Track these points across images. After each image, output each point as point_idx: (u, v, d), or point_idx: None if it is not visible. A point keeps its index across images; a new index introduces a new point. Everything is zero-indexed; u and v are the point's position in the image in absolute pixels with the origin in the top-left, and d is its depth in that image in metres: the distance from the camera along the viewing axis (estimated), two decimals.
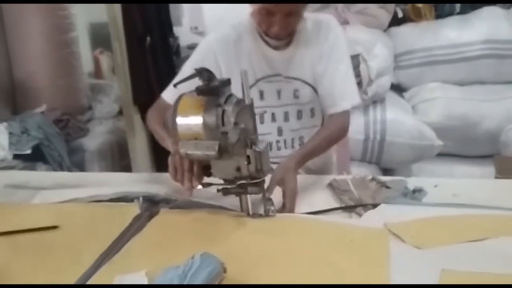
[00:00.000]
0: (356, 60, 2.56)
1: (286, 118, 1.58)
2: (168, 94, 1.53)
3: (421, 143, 2.57)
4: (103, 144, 3.13)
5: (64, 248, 1.15)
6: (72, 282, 0.99)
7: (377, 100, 2.66)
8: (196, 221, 1.22)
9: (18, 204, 1.43)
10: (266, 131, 1.56)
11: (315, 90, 1.54)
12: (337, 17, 2.65)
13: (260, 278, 0.96)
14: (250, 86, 1.28)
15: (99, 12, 3.22)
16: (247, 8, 1.45)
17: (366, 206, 1.24)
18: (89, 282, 0.99)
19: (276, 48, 1.50)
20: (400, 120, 2.59)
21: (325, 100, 1.52)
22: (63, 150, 2.81)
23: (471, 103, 2.64)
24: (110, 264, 1.05)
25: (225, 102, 1.13)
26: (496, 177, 2.15)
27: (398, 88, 2.87)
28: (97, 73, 3.97)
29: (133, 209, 1.28)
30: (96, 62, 3.96)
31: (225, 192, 1.19)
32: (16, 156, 2.57)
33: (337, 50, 1.50)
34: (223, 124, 1.12)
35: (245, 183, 1.16)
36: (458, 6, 2.80)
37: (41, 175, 2.06)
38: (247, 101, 1.15)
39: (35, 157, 2.63)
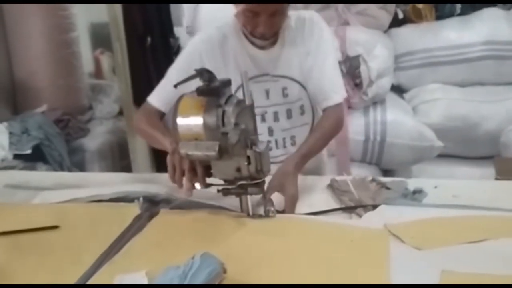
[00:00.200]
0: (356, 61, 2.56)
1: (276, 118, 1.57)
2: (155, 99, 1.53)
3: (421, 144, 2.56)
4: (103, 144, 3.13)
5: (65, 248, 1.15)
6: (72, 282, 1.00)
7: (377, 101, 2.66)
8: (196, 222, 1.22)
9: (18, 204, 1.43)
10: None
11: (303, 86, 1.54)
12: (337, 18, 2.68)
13: (260, 279, 0.96)
14: (238, 87, 1.27)
15: (99, 12, 3.22)
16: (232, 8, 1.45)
17: (366, 207, 1.24)
18: (89, 282, 0.99)
19: (262, 47, 1.50)
20: (401, 121, 2.59)
21: (316, 95, 1.53)
22: (63, 150, 2.81)
23: (472, 104, 2.64)
24: (110, 264, 1.05)
25: (226, 102, 1.13)
26: (496, 179, 2.15)
27: (398, 89, 2.87)
28: (98, 73, 3.97)
29: (134, 209, 1.28)
30: (97, 62, 3.97)
31: (225, 192, 1.19)
32: (16, 156, 2.57)
33: (323, 45, 1.51)
34: (223, 124, 1.12)
35: (245, 184, 1.16)
36: (458, 7, 2.79)
37: (41, 175, 2.06)
38: (247, 102, 1.15)
39: (36, 157, 2.63)
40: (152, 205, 1.32)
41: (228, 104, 1.13)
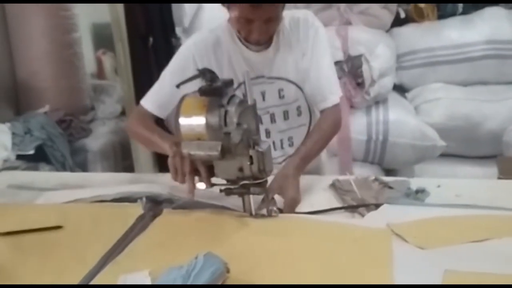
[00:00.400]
0: (358, 60, 2.56)
1: (272, 119, 1.56)
2: (148, 102, 1.51)
3: (423, 143, 2.56)
4: (105, 145, 3.13)
5: (68, 248, 1.15)
6: (75, 282, 1.00)
7: (379, 101, 2.66)
8: (199, 221, 1.22)
9: (21, 204, 1.43)
10: None
11: (299, 88, 1.53)
12: (339, 18, 2.68)
13: (263, 278, 0.96)
14: (234, 89, 1.26)
15: (102, 13, 3.22)
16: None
17: (369, 207, 1.24)
18: (92, 282, 1.00)
19: (256, 50, 1.48)
20: (403, 121, 2.59)
21: (314, 96, 1.52)
22: (66, 151, 2.81)
23: (474, 103, 2.64)
24: (113, 264, 1.05)
25: (228, 102, 1.13)
26: (499, 178, 2.15)
27: (400, 89, 2.86)
28: (100, 73, 3.97)
29: (137, 209, 1.29)
30: (99, 62, 3.97)
31: (228, 192, 1.19)
32: (19, 157, 2.58)
33: (318, 45, 1.50)
34: (225, 124, 1.12)
35: (248, 184, 1.16)
36: (460, 6, 2.79)
37: (44, 176, 2.07)
38: (249, 102, 1.15)
39: (38, 158, 2.64)
40: (155, 205, 1.32)
41: (231, 104, 1.13)
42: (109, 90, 3.48)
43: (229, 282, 0.94)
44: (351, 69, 2.57)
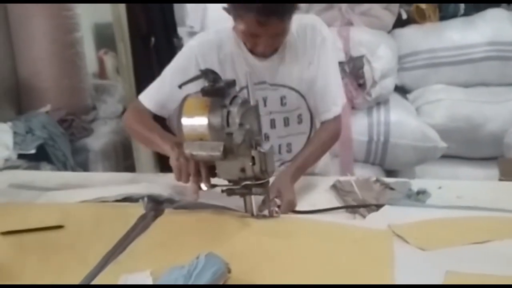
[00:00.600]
0: (360, 61, 2.56)
1: (272, 125, 1.54)
2: (146, 98, 1.50)
3: (424, 145, 2.56)
4: (107, 144, 3.13)
5: (69, 248, 1.15)
6: (77, 281, 1.00)
7: (380, 102, 2.66)
8: (201, 222, 1.22)
9: (23, 203, 1.43)
10: None
11: (302, 96, 1.51)
12: (341, 18, 2.68)
13: (265, 278, 0.97)
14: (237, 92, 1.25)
15: (103, 13, 3.23)
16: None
17: (370, 208, 1.24)
18: (94, 282, 1.00)
19: (261, 59, 1.45)
20: (404, 122, 2.59)
21: (317, 107, 1.51)
22: (67, 150, 2.81)
23: (475, 105, 2.64)
24: (115, 264, 1.05)
25: (230, 103, 1.13)
26: (500, 179, 2.14)
27: (402, 90, 2.86)
28: (102, 73, 3.98)
29: (138, 209, 1.29)
30: (101, 62, 3.98)
31: (230, 192, 1.19)
32: (20, 156, 2.58)
33: (325, 54, 1.47)
34: (228, 125, 1.12)
35: (250, 184, 1.16)
36: (462, 7, 2.79)
37: (45, 175, 2.07)
38: (252, 102, 1.15)
39: (40, 157, 2.64)
40: (157, 205, 1.32)
41: (233, 104, 1.13)
42: (111, 90, 3.49)
43: (230, 282, 0.94)
44: (353, 70, 2.57)
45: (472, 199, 1.25)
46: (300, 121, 1.56)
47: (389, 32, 2.82)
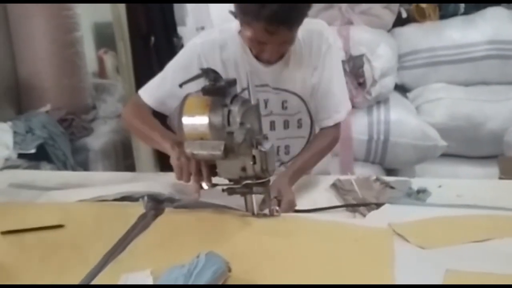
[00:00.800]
0: (360, 60, 2.56)
1: (272, 127, 1.53)
2: (146, 94, 1.49)
3: (424, 143, 2.56)
4: (107, 144, 3.13)
5: (69, 247, 1.15)
6: (77, 281, 1.00)
7: (381, 101, 2.66)
8: (201, 221, 1.22)
9: (23, 203, 1.43)
10: None
11: (304, 101, 1.51)
12: (341, 17, 2.68)
13: (265, 278, 0.97)
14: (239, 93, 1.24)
15: (103, 12, 3.23)
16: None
17: (370, 207, 1.24)
18: (94, 281, 0.99)
19: (265, 65, 1.44)
20: (404, 121, 2.59)
21: (318, 113, 1.51)
22: (67, 150, 2.81)
23: (475, 103, 2.64)
24: (115, 263, 1.05)
25: (231, 102, 1.13)
26: (500, 178, 2.15)
27: (402, 89, 2.86)
28: (102, 72, 3.98)
29: (138, 209, 1.29)
30: (101, 61, 3.98)
31: (230, 191, 1.19)
32: (20, 155, 2.57)
33: (330, 62, 1.46)
34: (229, 124, 1.12)
35: (251, 183, 1.16)
36: (462, 6, 2.79)
37: (45, 175, 2.07)
38: (253, 102, 1.15)
39: (40, 157, 2.63)
40: (157, 204, 1.32)
41: (234, 103, 1.13)
42: (111, 89, 3.48)
43: (230, 281, 0.94)
44: (353, 69, 2.57)
45: (472, 198, 1.25)
46: (299, 125, 1.56)
47: (389, 31, 2.82)
